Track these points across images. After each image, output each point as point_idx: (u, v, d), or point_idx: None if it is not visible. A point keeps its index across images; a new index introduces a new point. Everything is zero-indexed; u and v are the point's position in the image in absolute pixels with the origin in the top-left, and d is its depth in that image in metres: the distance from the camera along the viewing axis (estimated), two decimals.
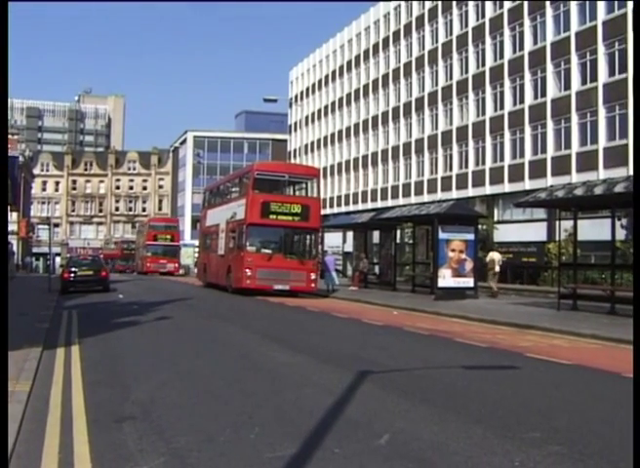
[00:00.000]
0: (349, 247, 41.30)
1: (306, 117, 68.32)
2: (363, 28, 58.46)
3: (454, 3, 46.43)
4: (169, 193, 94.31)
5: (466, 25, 45.25)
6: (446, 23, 47.55)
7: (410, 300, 21.65)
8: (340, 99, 61.65)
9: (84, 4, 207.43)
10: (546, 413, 6.40)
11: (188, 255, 60.08)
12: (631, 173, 28.58)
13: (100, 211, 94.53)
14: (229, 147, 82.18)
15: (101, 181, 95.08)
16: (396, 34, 53.47)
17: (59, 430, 5.65)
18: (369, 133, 56.57)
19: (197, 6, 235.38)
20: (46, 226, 59.28)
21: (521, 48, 40.38)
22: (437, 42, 48.27)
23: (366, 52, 57.76)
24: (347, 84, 60.60)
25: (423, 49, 49.80)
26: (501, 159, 41.48)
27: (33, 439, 5.36)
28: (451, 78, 46.56)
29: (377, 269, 31.17)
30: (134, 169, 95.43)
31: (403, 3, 52.59)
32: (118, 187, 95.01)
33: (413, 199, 48.01)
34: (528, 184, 38.27)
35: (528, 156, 39.40)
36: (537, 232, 37.28)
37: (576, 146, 36.21)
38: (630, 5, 32.34)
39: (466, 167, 44.51)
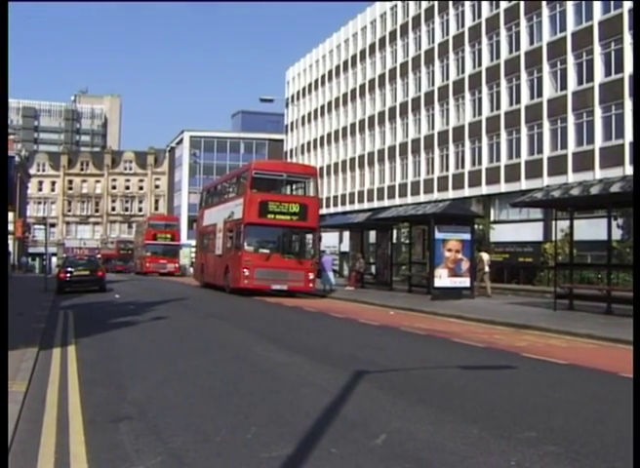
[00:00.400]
0: (346, 247, 41.38)
1: (303, 117, 68.28)
2: (359, 28, 58.46)
3: (450, 3, 46.46)
4: (165, 193, 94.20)
5: (463, 25, 45.28)
6: (442, 23, 47.58)
7: (406, 300, 21.67)
8: (337, 99, 61.65)
9: (80, 4, 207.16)
10: (543, 413, 6.40)
11: (185, 255, 59.55)
12: (627, 172, 28.68)
13: (97, 211, 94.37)
14: (226, 147, 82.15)
15: (98, 181, 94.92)
16: (392, 34, 53.48)
17: (55, 430, 5.64)
18: (365, 132, 56.58)
19: (194, 6, 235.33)
20: (42, 226, 59.01)
21: (517, 48, 40.42)
22: (433, 42, 48.30)
23: (362, 52, 57.77)
24: (344, 84, 60.60)
25: (420, 49, 49.83)
26: (498, 159, 41.51)
27: (29, 439, 5.35)
28: (447, 78, 46.59)
29: (373, 269, 31.19)
30: (130, 169, 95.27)
31: (399, 3, 52.62)
32: (114, 187, 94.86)
33: (409, 199, 48.03)
34: (524, 184, 38.30)
35: (524, 156, 39.44)
36: (533, 232, 37.32)
37: (572, 146, 36.24)
38: (626, 5, 32.40)
39: (463, 167, 44.54)
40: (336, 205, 60.58)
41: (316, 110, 65.91)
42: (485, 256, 25.45)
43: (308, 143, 67.10)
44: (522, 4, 40.04)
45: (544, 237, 36.20)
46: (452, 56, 46.20)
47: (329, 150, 63.05)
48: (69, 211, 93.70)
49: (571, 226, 18.65)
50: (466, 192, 43.84)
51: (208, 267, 30.17)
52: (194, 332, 13.28)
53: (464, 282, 22.37)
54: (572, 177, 33.16)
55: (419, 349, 11.26)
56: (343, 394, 7.04)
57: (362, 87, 57.47)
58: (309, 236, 25.21)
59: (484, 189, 42.36)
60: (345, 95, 60.17)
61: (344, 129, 60.00)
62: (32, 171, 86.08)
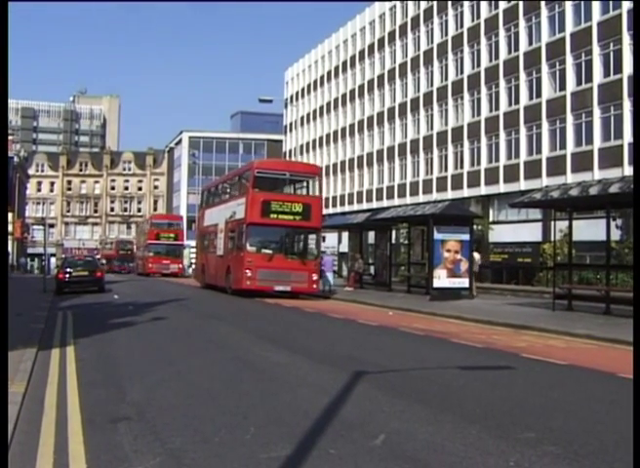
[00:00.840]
0: (345, 247, 41.29)
1: (302, 117, 68.27)
2: (358, 29, 58.48)
3: (449, 3, 46.49)
4: (164, 194, 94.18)
5: (462, 26, 45.31)
6: (441, 24, 47.62)
7: (405, 301, 21.66)
8: (336, 100, 61.65)
9: (80, 4, 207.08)
10: (542, 414, 6.40)
11: (184, 256, 59.32)
12: (626, 173, 28.69)
13: (96, 211, 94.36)
14: (225, 148, 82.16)
15: (97, 182, 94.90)
16: (391, 35, 53.51)
17: (53, 431, 5.63)
18: (364, 133, 56.59)
19: (193, 6, 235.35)
20: (41, 227, 59.10)
21: (516, 48, 40.44)
22: (432, 42, 48.32)
23: (361, 52, 57.79)
24: (343, 84, 60.62)
25: (419, 49, 49.85)
26: (497, 159, 41.53)
27: (28, 440, 5.35)
28: (446, 78, 46.62)
29: (372, 270, 31.16)
30: (129, 169, 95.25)
31: (398, 3, 52.64)
32: (113, 188, 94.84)
33: (408, 199, 48.04)
34: (523, 185, 38.32)
35: (523, 156, 39.46)
36: (532, 232, 37.34)
37: (571, 147, 36.26)
38: (625, 6, 32.42)
39: (461, 167, 44.55)
40: (335, 205, 60.57)
41: (315, 111, 65.92)
42: (476, 256, 25.35)
43: (307, 144, 67.10)
44: (521, 4, 40.07)
45: (543, 237, 36.21)
46: (451, 56, 46.22)
47: (328, 151, 63.06)
48: (68, 211, 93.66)
49: (570, 227, 18.65)
50: (465, 193, 43.85)
51: (209, 268, 29.82)
52: (193, 333, 13.27)
53: (463, 282, 22.37)
54: (571, 178, 33.15)
55: (417, 350, 11.26)
56: (342, 394, 7.03)
57: (361, 87, 57.48)
58: (313, 236, 24.72)
59: (483, 190, 42.37)
60: (344, 95, 60.18)
61: (343, 129, 60.01)
62: (31, 171, 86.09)
